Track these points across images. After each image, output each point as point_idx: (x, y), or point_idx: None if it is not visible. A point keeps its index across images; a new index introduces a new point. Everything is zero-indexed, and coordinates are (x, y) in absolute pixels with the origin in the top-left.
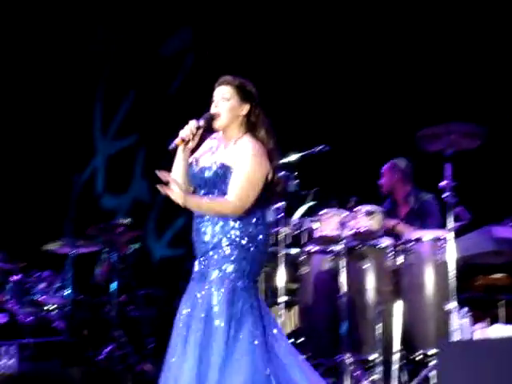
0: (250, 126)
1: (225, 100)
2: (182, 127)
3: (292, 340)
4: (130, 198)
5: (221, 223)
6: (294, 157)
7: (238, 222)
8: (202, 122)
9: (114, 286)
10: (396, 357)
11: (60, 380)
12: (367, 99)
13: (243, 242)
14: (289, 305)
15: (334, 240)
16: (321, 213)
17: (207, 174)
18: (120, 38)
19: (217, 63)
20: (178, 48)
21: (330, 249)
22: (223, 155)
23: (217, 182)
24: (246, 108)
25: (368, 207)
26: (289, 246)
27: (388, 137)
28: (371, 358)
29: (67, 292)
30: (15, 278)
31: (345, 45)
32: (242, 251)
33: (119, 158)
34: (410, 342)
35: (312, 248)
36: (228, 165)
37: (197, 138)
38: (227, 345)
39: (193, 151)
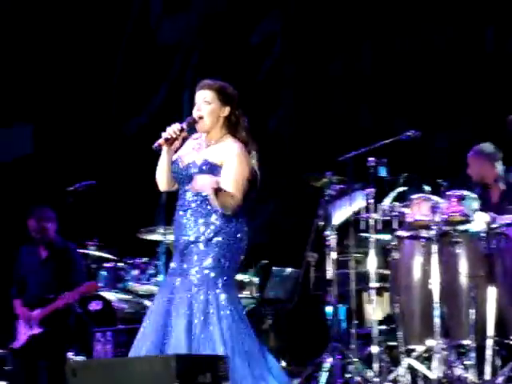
0: (231, 126)
1: (206, 104)
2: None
3: (383, 326)
4: None
5: (202, 220)
6: (384, 142)
7: (220, 219)
8: (184, 125)
9: None
10: (489, 342)
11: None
12: (449, 82)
13: (223, 238)
14: (380, 291)
15: (426, 225)
16: (412, 198)
17: (192, 170)
18: (209, 24)
19: (304, 48)
20: (266, 33)
21: (422, 234)
22: (207, 153)
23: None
24: (226, 110)
25: (460, 192)
26: (380, 232)
27: (474, 119)
28: (464, 343)
29: (160, 279)
30: (109, 265)
31: None
32: (222, 247)
33: None
34: (503, 327)
35: (403, 234)
36: (213, 162)
37: (180, 140)
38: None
39: (176, 150)
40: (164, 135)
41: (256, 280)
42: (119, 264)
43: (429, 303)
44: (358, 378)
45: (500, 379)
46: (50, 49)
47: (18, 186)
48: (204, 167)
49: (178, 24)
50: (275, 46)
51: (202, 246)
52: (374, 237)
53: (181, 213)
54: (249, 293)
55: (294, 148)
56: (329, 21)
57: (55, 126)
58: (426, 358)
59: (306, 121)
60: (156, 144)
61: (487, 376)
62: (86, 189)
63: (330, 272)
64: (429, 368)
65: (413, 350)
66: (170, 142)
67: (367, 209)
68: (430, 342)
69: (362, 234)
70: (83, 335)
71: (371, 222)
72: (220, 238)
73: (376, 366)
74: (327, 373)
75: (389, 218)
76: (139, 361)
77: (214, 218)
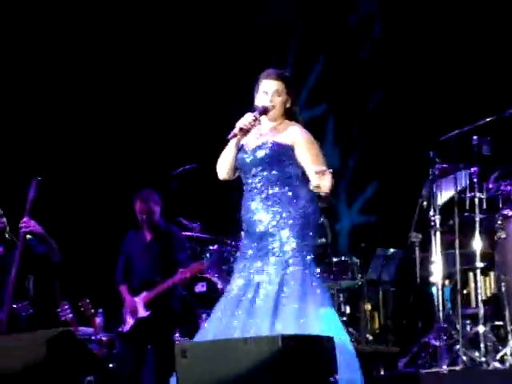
0: (291, 113)
1: (277, 95)
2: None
3: (489, 306)
4: None
5: (275, 204)
6: (488, 119)
7: (292, 202)
8: (257, 115)
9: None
10: None
11: None
12: None
13: (297, 220)
14: (485, 271)
15: None
16: None
17: (261, 152)
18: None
19: (404, 29)
20: (365, 14)
21: None
22: (274, 137)
23: (272, 159)
24: (289, 101)
25: None
26: (485, 212)
27: None
28: None
29: None
30: (213, 247)
31: None
32: (298, 229)
33: (309, 126)
34: None
35: (509, 212)
36: (283, 143)
37: (252, 129)
38: None
39: None
40: (238, 125)
41: (358, 261)
42: (224, 246)
43: None
44: (464, 358)
45: None
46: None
47: (124, 171)
48: (275, 147)
49: (277, 5)
50: (374, 28)
51: (279, 231)
52: (479, 216)
53: (250, 198)
54: (351, 274)
55: (396, 128)
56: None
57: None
58: None
59: (407, 101)
60: (231, 134)
61: None
62: (189, 172)
63: (435, 252)
64: None
65: None
66: (244, 131)
67: (472, 188)
68: None
69: (466, 214)
70: (189, 317)
71: (476, 201)
72: (294, 221)
73: (482, 345)
74: (432, 353)
75: (494, 196)
76: (246, 341)
77: (286, 202)
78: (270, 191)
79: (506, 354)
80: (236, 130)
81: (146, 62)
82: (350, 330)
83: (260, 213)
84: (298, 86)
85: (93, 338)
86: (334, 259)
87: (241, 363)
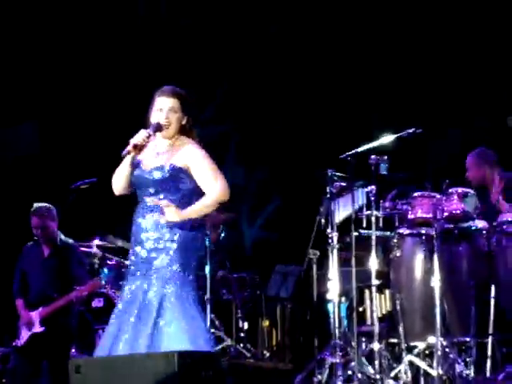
0: (185, 131)
1: (174, 112)
2: None
3: (385, 323)
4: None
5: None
6: (386, 139)
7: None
8: (151, 131)
9: (207, 269)
10: (490, 340)
11: None
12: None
13: (184, 240)
14: (381, 288)
15: (427, 223)
16: (413, 195)
17: (157, 174)
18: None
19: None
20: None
21: (423, 232)
22: (171, 158)
23: (167, 181)
24: (185, 118)
25: (461, 189)
26: (381, 230)
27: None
28: (465, 340)
29: None
30: (111, 262)
31: None
32: (183, 248)
33: (214, 142)
34: (504, 324)
35: (404, 231)
36: (178, 166)
37: (145, 147)
38: None
39: None
40: (132, 141)
41: (257, 277)
42: (122, 261)
43: (430, 300)
44: (359, 375)
45: (501, 376)
46: (55, 45)
47: (20, 185)
48: (172, 172)
49: None
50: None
51: (164, 251)
52: (375, 234)
53: (141, 216)
54: (249, 290)
55: (297, 146)
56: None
57: (60, 123)
58: (427, 355)
59: (307, 119)
60: (125, 151)
61: (488, 373)
62: (88, 186)
63: (332, 269)
64: (430, 365)
65: (414, 347)
66: (138, 148)
67: (369, 206)
68: (431, 339)
69: (363, 232)
70: (85, 332)
71: (373, 219)
72: (180, 243)
73: (377, 363)
74: (328, 370)
75: (390, 215)
76: (142, 357)
77: (175, 224)
78: (160, 212)
79: (400, 371)
80: (130, 147)
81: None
82: (248, 346)
83: (149, 232)
84: (203, 101)
85: None
86: (234, 275)
87: (136, 379)
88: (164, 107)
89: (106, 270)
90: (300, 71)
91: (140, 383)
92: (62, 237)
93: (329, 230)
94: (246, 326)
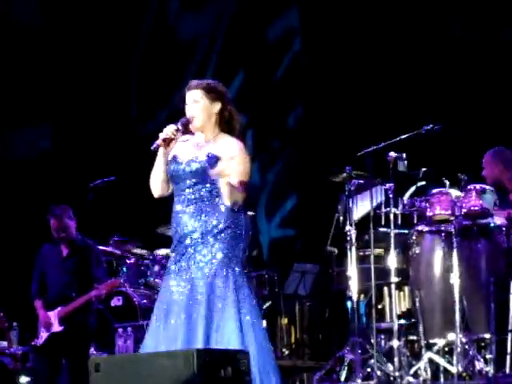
0: (225, 124)
1: (195, 103)
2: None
3: (404, 321)
4: None
5: (205, 216)
6: (404, 136)
7: (222, 213)
8: (179, 125)
9: None
10: (510, 336)
11: None
12: (479, 80)
13: (228, 232)
14: (400, 285)
15: (446, 220)
16: (432, 192)
17: (194, 165)
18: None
19: (324, 43)
20: (284, 31)
21: (442, 228)
22: (209, 149)
23: (203, 172)
24: (217, 106)
25: (479, 186)
26: (399, 227)
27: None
28: (485, 337)
29: None
30: (130, 261)
31: None
32: (228, 241)
33: None
34: None
35: (423, 228)
36: (217, 156)
37: (175, 140)
38: None
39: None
40: (161, 135)
41: (275, 275)
42: (140, 260)
43: (449, 297)
44: (378, 373)
45: None
46: (69, 46)
47: (38, 185)
48: (210, 157)
49: (196, 21)
50: (294, 43)
51: (209, 241)
52: (393, 232)
53: (181, 210)
54: (268, 288)
55: (314, 143)
56: (348, 15)
57: (74, 123)
58: (447, 352)
59: (326, 116)
60: (155, 145)
61: (508, 369)
62: (106, 185)
63: (350, 267)
64: (449, 362)
65: (433, 344)
66: (167, 142)
67: (387, 203)
68: (450, 336)
69: (381, 229)
70: (105, 331)
71: (391, 216)
72: (225, 233)
73: (396, 360)
74: (347, 367)
75: (409, 212)
76: (161, 356)
77: (216, 214)
78: (202, 203)
79: (419, 368)
80: (159, 141)
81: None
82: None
83: (190, 225)
84: None
85: (6, 351)
86: (252, 273)
87: (155, 378)
88: (188, 101)
89: (124, 269)
90: (317, 65)
91: (159, 381)
92: (81, 236)
93: (347, 228)
94: (264, 323)
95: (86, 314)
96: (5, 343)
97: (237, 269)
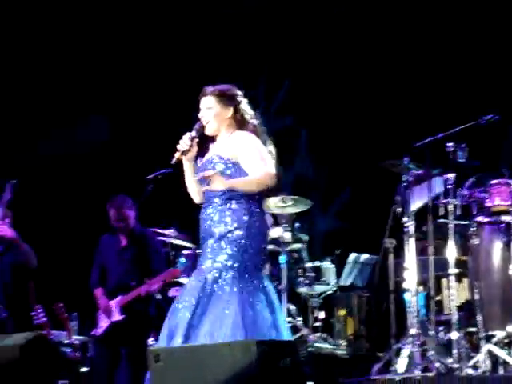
0: (238, 124)
1: (208, 109)
2: None
3: (463, 312)
4: (293, 174)
5: (225, 215)
6: (463, 126)
7: (238, 212)
8: (194, 133)
9: (283, 259)
10: None
11: None
12: None
13: (244, 230)
14: (459, 277)
15: (505, 210)
16: (491, 183)
17: (208, 166)
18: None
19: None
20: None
21: (501, 219)
22: (219, 149)
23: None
24: (230, 111)
25: None
26: (459, 218)
27: None
28: None
29: None
30: (187, 252)
31: None
32: (243, 239)
33: (283, 134)
34: None
35: (482, 219)
36: (227, 157)
37: (194, 148)
38: None
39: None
40: (179, 148)
41: (333, 267)
42: (198, 251)
43: (509, 288)
44: (437, 365)
45: None
46: (127, 38)
47: (97, 176)
48: (215, 160)
49: None
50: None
51: (224, 240)
52: (453, 223)
53: (204, 210)
54: (325, 280)
55: (371, 134)
56: None
57: (131, 115)
58: (507, 344)
59: (382, 106)
60: (174, 159)
61: None
62: (164, 177)
63: (409, 259)
64: (509, 354)
65: (493, 336)
66: (185, 152)
67: (446, 194)
68: (510, 328)
69: (440, 220)
70: (162, 321)
71: (450, 207)
72: (241, 231)
73: (455, 352)
74: (406, 359)
75: (468, 203)
76: (220, 346)
77: (230, 214)
78: (213, 207)
79: (478, 360)
80: (177, 155)
81: (121, 66)
82: (324, 335)
83: (204, 227)
84: (269, 97)
85: (66, 341)
86: (309, 264)
87: (214, 368)
88: (202, 107)
89: (182, 260)
90: (370, 58)
91: (219, 372)
92: (139, 226)
93: (405, 219)
94: (321, 315)
95: (146, 303)
96: (64, 333)
97: (237, 272)
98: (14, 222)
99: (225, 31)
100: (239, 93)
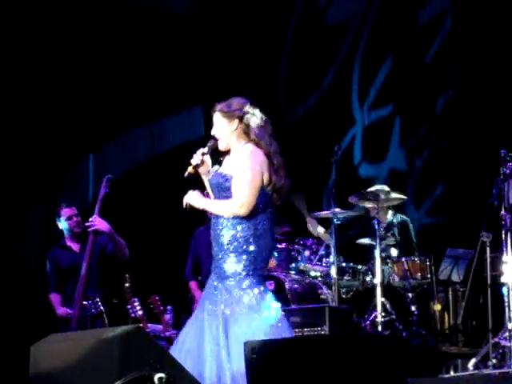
0: (245, 134)
1: (216, 125)
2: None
3: None
4: (387, 166)
5: (229, 230)
6: None
7: (242, 226)
8: (206, 149)
9: (376, 253)
10: None
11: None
12: None
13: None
14: None
15: None
16: None
17: (213, 180)
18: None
19: (476, 26)
20: (435, 13)
21: None
22: (225, 165)
23: (217, 187)
24: (235, 123)
25: None
26: None
27: None
28: None
29: (331, 259)
30: (281, 246)
31: None
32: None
33: (376, 127)
34: None
35: None
36: (225, 173)
37: (206, 163)
38: None
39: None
40: (191, 162)
41: (428, 261)
42: (291, 245)
43: None
44: None
45: None
46: (220, 33)
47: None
48: (220, 179)
49: (345, 6)
50: (443, 26)
51: (216, 253)
52: None
53: (213, 225)
54: (420, 274)
55: (464, 128)
56: None
57: None
58: None
59: (477, 98)
60: (186, 173)
61: None
62: None
63: (506, 252)
64: None
65: None
66: (198, 167)
67: None
68: None
69: None
70: None
71: None
72: (226, 247)
73: None
74: (503, 354)
75: None
76: (318, 338)
77: (239, 227)
78: (214, 218)
79: None
80: (190, 169)
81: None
82: (419, 329)
83: (216, 237)
84: (365, 85)
85: (162, 335)
86: (404, 258)
87: (310, 361)
88: (213, 123)
89: (275, 253)
90: (469, 46)
91: (316, 365)
92: None
93: (502, 212)
94: (416, 309)
95: None
96: (160, 327)
97: (247, 281)
98: (111, 215)
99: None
100: (244, 103)
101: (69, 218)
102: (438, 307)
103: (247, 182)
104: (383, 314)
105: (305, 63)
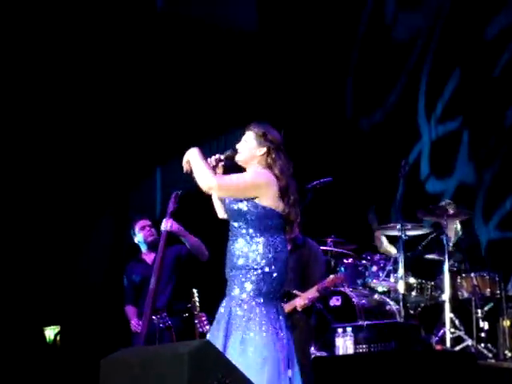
0: (267, 165)
1: (244, 142)
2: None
3: None
4: (455, 181)
5: (247, 248)
6: None
7: (261, 245)
8: (222, 156)
9: (445, 268)
10: None
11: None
12: None
13: (266, 262)
14: None
15: None
16: None
17: (227, 206)
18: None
19: None
20: (504, 25)
21: None
22: None
23: (234, 214)
24: (263, 150)
25: None
26: None
27: None
28: None
29: (399, 275)
30: (348, 261)
31: None
32: (264, 270)
33: (444, 141)
34: None
35: None
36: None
37: (219, 169)
38: None
39: None
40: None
41: (497, 276)
42: (358, 260)
43: None
44: None
45: None
46: (286, 48)
47: None
48: (235, 205)
49: (412, 21)
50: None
51: (251, 273)
52: None
53: (230, 242)
54: (489, 290)
55: None
56: None
57: (289, 123)
58: None
59: None
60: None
61: None
62: (324, 186)
63: None
64: None
65: None
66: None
67: None
68: None
69: None
70: (323, 331)
71: None
72: (238, 268)
73: None
74: None
75: None
76: (382, 355)
77: (254, 246)
78: (234, 238)
79: None
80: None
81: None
82: (489, 345)
83: (230, 256)
84: (432, 99)
85: None
86: (473, 274)
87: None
88: (242, 137)
89: (342, 269)
90: None
91: (384, 381)
92: (301, 235)
93: None
94: (486, 325)
95: (308, 312)
96: None
97: (255, 301)
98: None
99: None
100: (278, 138)
101: (142, 228)
102: (507, 323)
103: (241, 178)
104: (452, 330)
105: (371, 77)
